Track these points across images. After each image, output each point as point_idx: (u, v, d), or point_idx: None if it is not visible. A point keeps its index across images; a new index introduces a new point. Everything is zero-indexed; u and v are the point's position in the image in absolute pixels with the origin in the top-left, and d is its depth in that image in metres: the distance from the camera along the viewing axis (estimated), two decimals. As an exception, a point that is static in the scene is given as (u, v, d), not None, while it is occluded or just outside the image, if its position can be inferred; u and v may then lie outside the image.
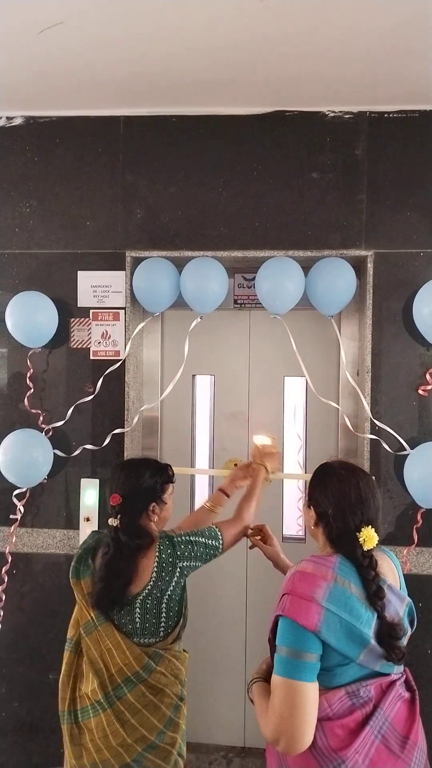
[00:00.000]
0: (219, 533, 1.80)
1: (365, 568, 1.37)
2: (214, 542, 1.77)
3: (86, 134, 2.52)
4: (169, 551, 1.70)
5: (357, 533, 1.40)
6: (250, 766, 2.65)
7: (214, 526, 1.82)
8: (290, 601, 1.34)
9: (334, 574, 1.35)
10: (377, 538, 1.40)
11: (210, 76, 2.18)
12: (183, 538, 1.74)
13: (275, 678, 1.32)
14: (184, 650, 1.80)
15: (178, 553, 1.70)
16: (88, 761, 1.62)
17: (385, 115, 2.40)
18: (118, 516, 1.71)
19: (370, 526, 1.40)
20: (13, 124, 2.57)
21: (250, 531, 1.94)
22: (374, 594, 1.34)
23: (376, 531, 1.41)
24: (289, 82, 2.23)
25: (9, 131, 2.57)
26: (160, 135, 2.48)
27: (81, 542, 1.87)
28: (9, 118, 2.57)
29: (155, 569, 1.68)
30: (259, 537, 1.97)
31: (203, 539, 1.76)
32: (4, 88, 2.33)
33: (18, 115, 2.56)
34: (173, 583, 1.68)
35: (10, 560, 2.51)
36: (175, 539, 1.73)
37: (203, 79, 2.21)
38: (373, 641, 1.31)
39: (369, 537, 1.39)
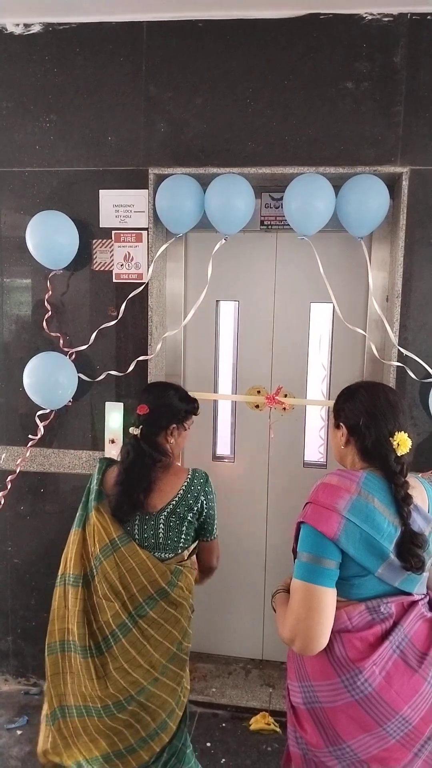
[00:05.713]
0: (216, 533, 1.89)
1: (397, 474, 1.38)
2: (216, 524, 1.87)
3: (107, 42, 2.38)
4: (201, 481, 1.80)
5: (391, 438, 1.41)
6: (267, 677, 2.78)
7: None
8: (312, 510, 1.36)
9: (358, 488, 1.36)
10: (410, 443, 1.41)
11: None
12: (213, 497, 1.84)
13: (294, 581, 1.36)
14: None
15: (207, 489, 1.80)
16: (115, 689, 1.62)
17: (429, 17, 2.21)
18: (140, 427, 1.79)
19: (403, 431, 1.41)
20: (30, 31, 2.44)
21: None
22: (402, 499, 1.35)
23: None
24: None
25: (27, 39, 2.44)
26: (185, 42, 2.33)
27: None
28: (26, 26, 2.44)
29: (183, 489, 1.76)
30: None
31: (215, 516, 1.85)
32: (21, -11, 2.21)
33: (36, 22, 2.43)
34: (194, 510, 1.76)
35: (18, 473, 2.56)
36: (210, 483, 1.82)
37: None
38: (392, 555, 1.33)
39: (403, 441, 1.40)
